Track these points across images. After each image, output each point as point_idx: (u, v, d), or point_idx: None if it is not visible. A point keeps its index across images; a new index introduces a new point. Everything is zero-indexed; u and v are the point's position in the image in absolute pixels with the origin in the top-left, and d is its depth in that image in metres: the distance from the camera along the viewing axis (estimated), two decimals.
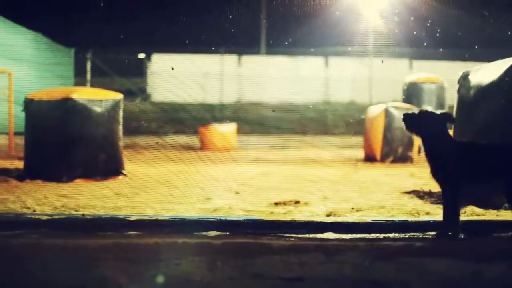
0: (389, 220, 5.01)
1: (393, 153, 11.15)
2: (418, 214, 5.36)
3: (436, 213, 5.44)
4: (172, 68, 21.76)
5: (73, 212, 5.35)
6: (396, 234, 4.66)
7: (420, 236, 4.60)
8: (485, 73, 6.02)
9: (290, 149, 13.98)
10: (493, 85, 5.74)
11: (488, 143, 4.67)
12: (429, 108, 4.41)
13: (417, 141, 11.82)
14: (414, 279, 3.37)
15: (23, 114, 8.31)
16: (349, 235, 4.53)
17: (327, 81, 25.11)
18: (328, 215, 5.35)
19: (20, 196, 6.31)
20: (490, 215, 5.28)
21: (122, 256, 3.78)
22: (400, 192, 6.78)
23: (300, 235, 4.62)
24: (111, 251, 3.93)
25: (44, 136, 7.98)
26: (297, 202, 6.01)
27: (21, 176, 7.85)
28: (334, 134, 17.45)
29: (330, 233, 4.72)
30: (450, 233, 4.42)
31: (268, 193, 6.63)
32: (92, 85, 19.12)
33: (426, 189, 6.91)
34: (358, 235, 4.54)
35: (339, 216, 5.30)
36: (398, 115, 11.49)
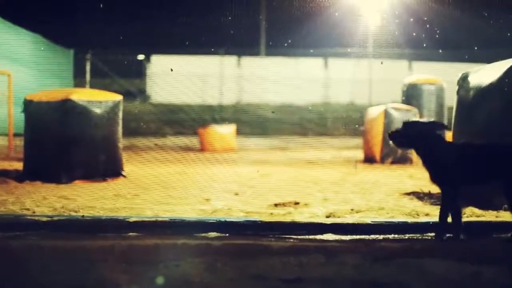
0: (389, 221, 5.01)
1: (393, 154, 11.15)
2: (418, 215, 5.36)
3: (435, 214, 5.43)
4: (172, 70, 21.77)
5: (73, 213, 5.34)
6: (396, 235, 4.67)
7: (419, 237, 4.60)
8: (485, 74, 6.02)
9: (289, 150, 13.98)
10: (492, 86, 5.74)
11: (486, 143, 4.68)
12: (412, 118, 4.39)
13: None
14: (413, 280, 3.37)
15: (22, 115, 8.31)
16: (349, 236, 4.53)
17: (327, 83, 25.12)
18: (327, 216, 5.35)
19: (20, 197, 6.31)
20: (490, 216, 5.28)
21: (121, 257, 3.78)
22: (400, 193, 6.78)
23: (299, 236, 4.63)
24: (110, 252, 3.93)
25: (43, 137, 7.97)
26: (297, 203, 6.01)
27: (20, 177, 7.84)
28: (334, 135, 17.46)
29: (330, 234, 4.72)
30: (447, 235, 4.42)
31: (268, 194, 6.63)
32: (92, 86, 19.11)
33: (426, 190, 6.91)
34: (358, 236, 4.55)
35: (339, 217, 5.30)
36: (398, 116, 11.50)
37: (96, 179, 7.82)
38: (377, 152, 11.38)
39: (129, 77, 23.50)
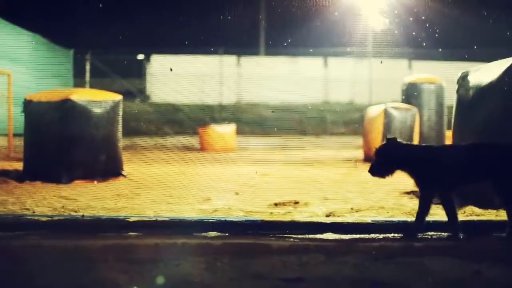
0: (389, 221, 5.01)
1: None
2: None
3: (435, 213, 5.43)
4: (171, 69, 21.76)
5: (73, 213, 5.34)
6: (396, 234, 4.67)
7: (419, 236, 4.60)
8: (484, 73, 6.02)
9: (289, 149, 13.98)
10: (492, 85, 5.74)
11: (462, 144, 4.73)
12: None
13: (417, 141, 11.82)
14: (413, 279, 3.38)
15: (22, 115, 8.30)
16: (349, 235, 4.53)
17: (327, 82, 25.12)
18: (327, 216, 5.35)
19: (20, 197, 6.31)
20: (490, 215, 5.28)
21: (122, 257, 3.78)
22: (400, 192, 6.78)
23: (299, 236, 4.63)
24: (111, 252, 3.93)
25: (43, 137, 7.97)
26: (297, 202, 6.02)
27: (20, 177, 7.84)
28: (334, 134, 17.46)
29: (330, 233, 4.72)
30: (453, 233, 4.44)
31: (268, 193, 6.63)
32: (91, 86, 19.13)
33: None
34: (358, 236, 4.55)
35: (339, 216, 5.30)
36: (398, 115, 11.51)
37: (96, 179, 7.82)
38: None
39: (129, 77, 23.49)
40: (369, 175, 4.63)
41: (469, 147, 4.56)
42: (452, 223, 4.49)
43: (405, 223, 4.92)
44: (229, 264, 3.59)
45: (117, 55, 22.00)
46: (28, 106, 8.15)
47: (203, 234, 4.62)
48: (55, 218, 4.96)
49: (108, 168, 8.07)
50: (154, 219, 4.96)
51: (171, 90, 21.27)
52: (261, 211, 5.55)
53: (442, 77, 14.10)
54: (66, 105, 7.88)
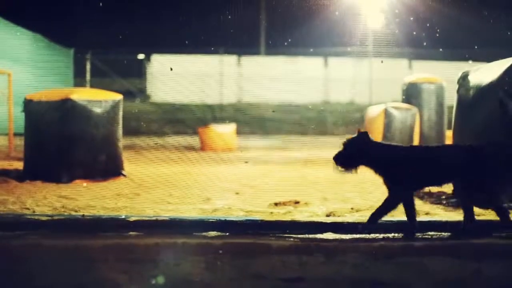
0: (389, 220, 5.00)
1: None
2: (418, 214, 5.34)
3: (435, 213, 5.45)
4: (171, 69, 21.77)
5: (73, 213, 5.34)
6: (396, 234, 4.66)
7: (419, 236, 4.60)
8: (485, 73, 6.02)
9: (289, 149, 13.98)
10: (492, 85, 5.74)
11: (432, 145, 4.75)
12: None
13: (417, 140, 11.83)
14: (414, 279, 3.38)
15: (22, 115, 8.31)
16: (349, 235, 4.53)
17: (327, 82, 25.12)
18: (327, 215, 5.35)
19: (20, 197, 6.31)
20: (490, 215, 5.27)
21: (122, 256, 3.78)
22: None
23: (300, 236, 4.62)
24: (111, 252, 3.93)
25: (43, 137, 7.97)
26: (297, 202, 6.01)
27: (20, 177, 7.84)
28: (334, 134, 17.46)
29: (330, 233, 4.72)
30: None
31: (268, 193, 6.63)
32: (92, 86, 19.14)
33: (426, 189, 6.91)
34: (358, 235, 4.54)
35: (339, 216, 5.30)
36: (398, 115, 11.51)
37: (97, 178, 7.81)
38: None
39: (129, 77, 23.50)
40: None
41: (436, 149, 4.61)
42: (411, 223, 4.49)
43: (405, 222, 4.91)
44: (229, 264, 3.59)
45: (118, 55, 22.02)
46: (28, 106, 8.16)
47: (203, 233, 4.62)
48: (55, 217, 4.96)
49: (108, 167, 8.07)
50: (154, 218, 4.96)
51: (171, 90, 21.28)
52: (261, 211, 5.55)
53: (442, 77, 14.11)
54: (66, 104, 7.88)
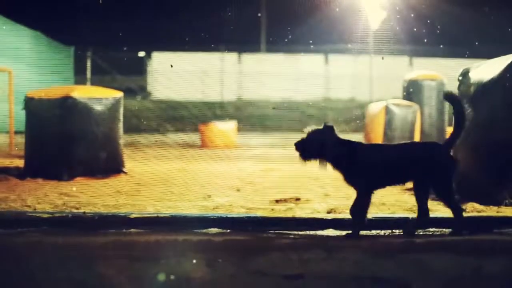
0: (390, 217, 5.01)
1: None
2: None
3: (436, 209, 5.44)
4: (171, 66, 21.77)
5: (74, 210, 5.35)
6: (397, 231, 4.67)
7: (420, 233, 4.60)
8: (486, 70, 6.02)
9: (290, 146, 13.95)
10: (493, 82, 5.74)
11: (393, 144, 4.70)
12: (313, 126, 4.36)
13: (418, 137, 11.82)
14: (414, 275, 3.38)
15: (23, 113, 8.31)
16: (350, 231, 4.52)
17: (327, 79, 25.11)
18: (329, 212, 5.35)
19: (21, 194, 6.32)
20: (491, 211, 5.28)
21: (123, 253, 3.78)
22: (401, 189, 6.75)
23: (301, 232, 4.63)
24: (112, 249, 3.93)
25: (44, 135, 7.97)
26: (298, 199, 6.02)
27: (21, 174, 7.85)
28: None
29: (331, 230, 4.73)
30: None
31: (269, 190, 6.63)
32: (92, 84, 19.14)
33: None
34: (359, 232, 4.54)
35: (340, 213, 5.30)
36: (399, 112, 11.51)
37: (97, 176, 7.81)
38: None
39: (130, 74, 23.51)
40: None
41: (395, 147, 4.60)
42: (359, 222, 4.39)
43: (406, 219, 4.92)
44: (230, 261, 3.59)
45: (118, 53, 22.02)
46: (29, 103, 8.16)
47: (204, 230, 4.63)
48: (56, 215, 4.96)
49: (109, 165, 8.07)
50: (155, 215, 4.96)
51: (172, 87, 21.28)
52: (262, 208, 5.55)
53: (443, 74, 14.10)
54: (67, 102, 7.88)
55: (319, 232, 4.62)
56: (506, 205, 5.41)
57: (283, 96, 20.88)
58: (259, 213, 5.21)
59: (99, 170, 7.91)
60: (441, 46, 19.59)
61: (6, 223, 4.74)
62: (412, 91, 13.87)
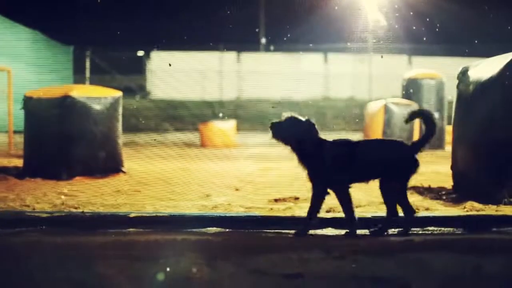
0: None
1: None
2: (418, 209, 5.34)
3: (436, 208, 5.44)
4: (170, 65, 21.76)
5: (73, 210, 5.34)
6: (396, 230, 4.66)
7: (419, 232, 4.60)
8: (485, 68, 6.01)
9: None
10: (492, 80, 5.74)
11: (361, 140, 4.59)
12: (295, 114, 4.33)
13: (417, 136, 11.82)
14: (414, 274, 3.37)
15: (22, 112, 8.30)
16: (348, 230, 4.52)
17: (327, 77, 25.11)
18: (328, 211, 5.34)
19: (20, 194, 6.31)
20: (490, 210, 5.28)
21: (122, 253, 3.78)
22: None
23: None
24: (111, 248, 3.93)
25: (43, 134, 7.97)
26: (297, 198, 6.01)
27: (20, 174, 7.84)
28: (334, 130, 17.44)
29: (330, 229, 4.73)
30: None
31: (268, 189, 6.63)
32: (91, 83, 19.12)
33: (426, 184, 6.91)
34: (358, 231, 4.53)
35: (339, 212, 5.29)
36: (398, 111, 11.51)
37: (96, 175, 7.81)
38: None
39: (128, 74, 23.50)
40: None
41: (360, 144, 4.51)
42: (349, 219, 4.36)
43: (402, 219, 4.91)
44: (229, 260, 3.59)
45: (117, 52, 22.00)
46: (28, 103, 8.15)
47: (203, 230, 4.63)
48: (55, 214, 4.96)
49: (108, 164, 8.07)
50: (154, 215, 4.96)
51: (171, 86, 21.27)
52: (261, 207, 5.55)
53: (443, 72, 14.10)
54: (66, 101, 7.87)
55: (319, 231, 4.62)
56: (505, 203, 5.41)
57: (283, 95, 20.88)
58: (258, 212, 5.21)
59: (98, 170, 7.91)
60: (440, 44, 19.60)
61: (5, 223, 4.74)
62: (412, 90, 13.89)
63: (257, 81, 22.88)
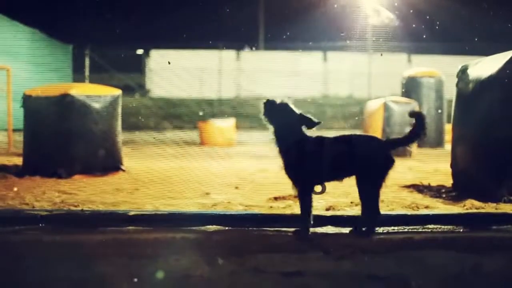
0: (388, 214, 5.00)
1: None
2: (418, 207, 5.36)
3: (435, 206, 5.44)
4: (169, 63, 21.75)
5: (72, 208, 5.34)
6: (395, 228, 4.66)
7: (419, 230, 4.60)
8: (484, 66, 6.01)
9: None
10: (492, 78, 5.74)
11: (338, 136, 4.39)
12: (289, 101, 4.30)
13: None
14: (413, 272, 3.37)
15: (21, 110, 8.29)
16: (348, 229, 4.52)
17: (326, 76, 25.10)
18: (327, 209, 5.35)
19: (19, 192, 6.30)
20: (490, 208, 5.28)
21: (121, 251, 3.78)
22: (399, 186, 6.78)
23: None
24: (110, 247, 3.93)
25: (42, 132, 7.96)
26: (296, 196, 6.00)
27: (20, 172, 7.83)
28: (333, 128, 17.45)
29: (330, 226, 4.73)
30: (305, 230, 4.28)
31: (268, 187, 6.62)
32: (91, 81, 19.10)
33: (425, 182, 6.92)
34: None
35: (339, 210, 5.30)
36: (397, 109, 11.50)
37: (96, 173, 7.80)
38: None
39: (128, 72, 23.48)
40: None
41: (331, 140, 4.32)
42: (304, 220, 4.29)
43: (405, 216, 4.92)
44: (229, 258, 3.59)
45: (116, 50, 21.99)
46: (27, 101, 8.14)
47: (203, 228, 4.63)
48: (55, 212, 4.96)
49: (107, 162, 8.06)
50: (153, 213, 4.96)
51: (170, 84, 21.25)
52: (261, 205, 5.55)
53: (442, 70, 14.10)
54: (65, 100, 7.87)
55: (318, 229, 4.62)
56: (504, 201, 5.42)
57: (282, 93, 20.85)
58: (258, 210, 5.21)
59: (98, 168, 7.90)
60: (440, 43, 19.59)
61: (4, 221, 4.73)
62: (411, 88, 13.89)
63: (256, 79, 22.86)
